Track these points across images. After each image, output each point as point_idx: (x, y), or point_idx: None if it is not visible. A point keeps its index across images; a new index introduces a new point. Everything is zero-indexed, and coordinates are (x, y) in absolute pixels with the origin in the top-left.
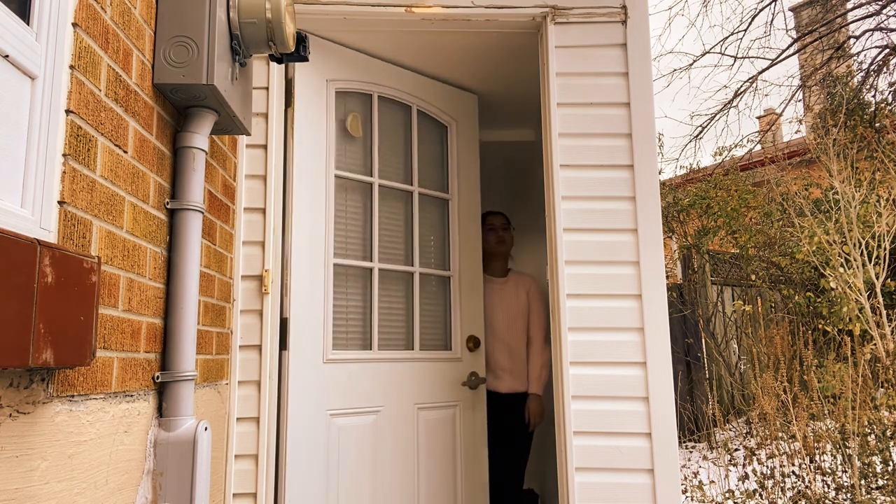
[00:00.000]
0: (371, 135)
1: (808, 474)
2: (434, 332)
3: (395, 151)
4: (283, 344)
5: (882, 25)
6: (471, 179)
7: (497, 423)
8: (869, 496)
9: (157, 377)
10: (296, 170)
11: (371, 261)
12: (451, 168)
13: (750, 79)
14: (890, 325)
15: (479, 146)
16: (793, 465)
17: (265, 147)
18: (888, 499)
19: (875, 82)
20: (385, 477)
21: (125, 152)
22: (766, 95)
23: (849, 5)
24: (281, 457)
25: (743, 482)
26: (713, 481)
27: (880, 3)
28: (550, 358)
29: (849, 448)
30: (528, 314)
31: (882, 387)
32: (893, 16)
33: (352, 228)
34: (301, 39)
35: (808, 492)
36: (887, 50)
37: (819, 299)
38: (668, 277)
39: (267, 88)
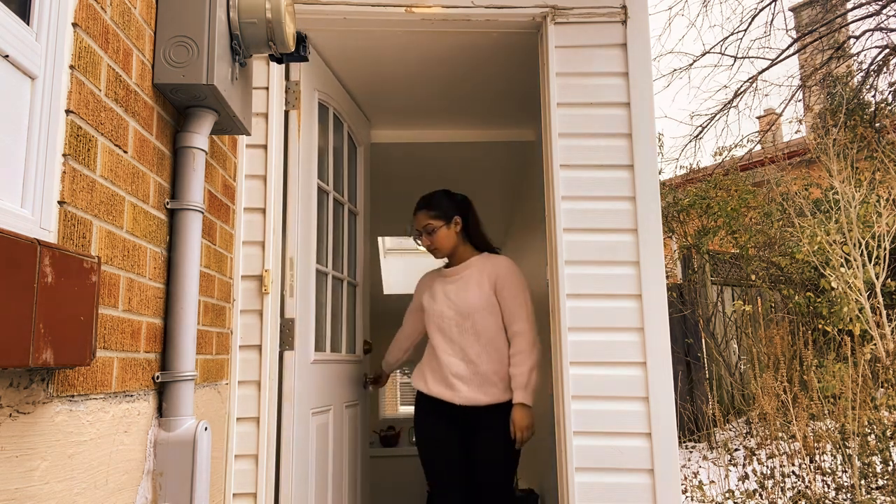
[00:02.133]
0: (327, 146)
1: (808, 474)
2: (347, 336)
3: (336, 164)
4: (290, 344)
5: (882, 25)
6: (368, 197)
7: (455, 441)
8: (869, 496)
9: (157, 377)
10: (301, 171)
11: (326, 266)
12: (359, 185)
13: (750, 79)
14: (890, 325)
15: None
16: (793, 465)
17: (265, 147)
18: (888, 499)
19: (875, 82)
20: (331, 472)
21: (125, 152)
22: (766, 95)
23: (849, 5)
24: (284, 456)
25: (743, 482)
26: (713, 481)
27: (880, 3)
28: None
29: (849, 448)
30: (496, 307)
31: (882, 387)
32: (893, 16)
33: (312, 233)
34: (301, 39)
35: (808, 492)
36: (887, 50)
37: (819, 299)
38: (668, 277)
39: (267, 88)
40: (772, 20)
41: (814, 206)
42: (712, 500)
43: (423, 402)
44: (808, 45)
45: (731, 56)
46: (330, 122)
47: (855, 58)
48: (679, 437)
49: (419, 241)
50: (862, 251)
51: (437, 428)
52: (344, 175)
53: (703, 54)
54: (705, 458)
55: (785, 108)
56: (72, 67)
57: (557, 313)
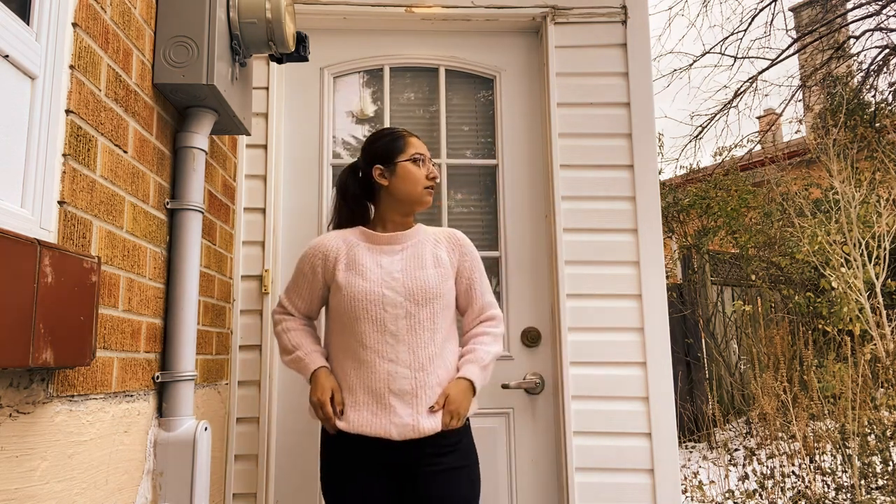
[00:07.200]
0: (383, 112)
1: (808, 474)
2: None
3: (418, 123)
4: None
5: (882, 25)
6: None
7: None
8: (869, 496)
9: (157, 377)
10: (283, 166)
11: None
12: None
13: (750, 79)
14: (890, 325)
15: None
16: (793, 465)
17: (265, 147)
18: (888, 499)
19: (875, 82)
20: None
21: (125, 152)
22: (766, 95)
23: (849, 5)
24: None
25: (743, 482)
26: (713, 481)
27: (880, 3)
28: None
29: (849, 448)
30: (452, 292)
31: (882, 387)
32: (893, 16)
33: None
34: (301, 39)
35: (808, 492)
36: (887, 50)
37: (819, 299)
38: (668, 277)
39: (267, 88)
40: (772, 20)
41: (814, 206)
42: (712, 500)
43: (339, 446)
44: (808, 45)
45: (731, 56)
46: (385, 82)
47: (855, 58)
48: (679, 437)
49: (431, 169)
50: (862, 251)
51: (373, 494)
52: (441, 127)
53: (703, 54)
54: (705, 458)
55: (785, 108)
56: (72, 67)
57: (557, 313)
